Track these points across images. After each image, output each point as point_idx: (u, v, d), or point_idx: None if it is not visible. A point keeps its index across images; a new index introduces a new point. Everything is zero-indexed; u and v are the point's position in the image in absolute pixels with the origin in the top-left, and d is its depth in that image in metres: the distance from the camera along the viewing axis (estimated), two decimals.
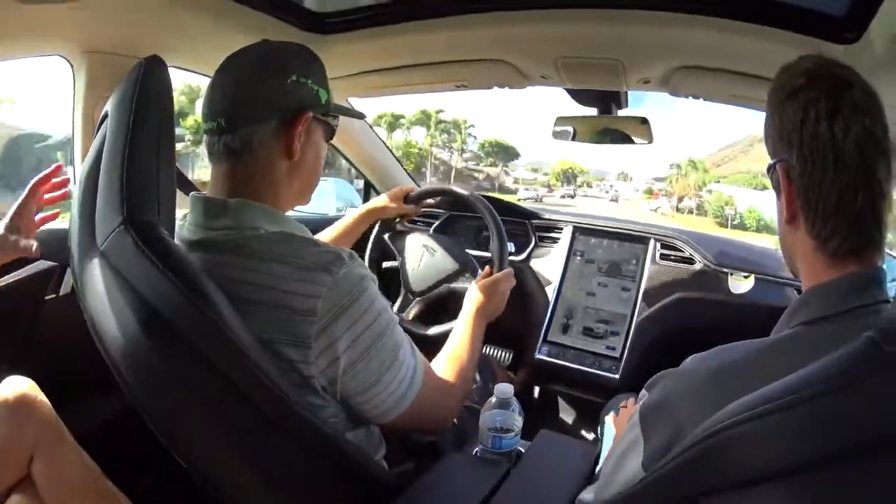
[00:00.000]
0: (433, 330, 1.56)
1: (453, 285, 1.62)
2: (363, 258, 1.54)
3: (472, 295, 1.35)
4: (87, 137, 1.30)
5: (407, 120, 41.67)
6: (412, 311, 1.67)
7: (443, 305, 1.64)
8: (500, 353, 2.12)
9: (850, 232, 0.67)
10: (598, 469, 1.05)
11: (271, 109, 0.93)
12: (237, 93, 0.93)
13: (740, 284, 1.79)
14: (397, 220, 1.80)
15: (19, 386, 1.02)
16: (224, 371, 0.74)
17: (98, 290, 0.80)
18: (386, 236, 1.76)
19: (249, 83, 0.93)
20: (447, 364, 1.12)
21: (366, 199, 2.47)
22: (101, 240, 0.81)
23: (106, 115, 0.92)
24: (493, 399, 1.07)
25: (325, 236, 1.61)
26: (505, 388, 1.07)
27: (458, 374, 1.11)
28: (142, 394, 0.83)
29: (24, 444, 0.98)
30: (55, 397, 1.03)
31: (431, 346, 1.23)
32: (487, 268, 1.47)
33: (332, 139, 1.07)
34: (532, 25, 1.35)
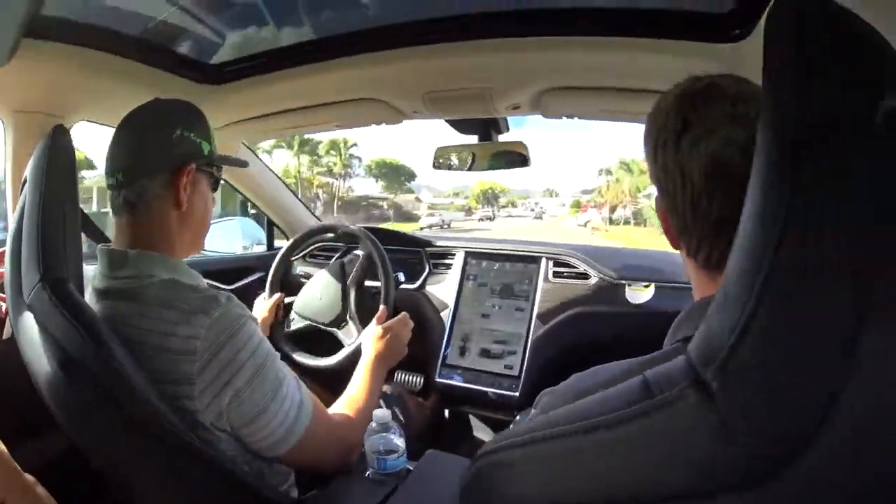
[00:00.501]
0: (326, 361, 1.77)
1: (351, 278, 1.90)
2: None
3: (369, 342, 1.50)
4: (18, 191, 1.40)
5: (269, 144, 35.50)
6: (357, 329, 1.84)
7: (367, 305, 1.84)
8: (412, 377, 2.21)
9: (715, 240, 0.68)
10: None
11: (159, 164, 1.05)
12: (130, 150, 1.06)
13: (639, 294, 1.87)
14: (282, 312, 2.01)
15: None
16: (127, 409, 0.88)
17: (29, 337, 0.97)
18: (284, 329, 1.98)
19: (140, 140, 1.06)
20: (344, 407, 1.24)
21: (269, 235, 2.63)
22: (27, 294, 0.98)
23: (26, 180, 1.11)
24: (373, 424, 1.16)
25: None
26: (382, 414, 1.17)
27: (354, 416, 1.22)
28: (70, 430, 0.99)
29: None
30: (7, 438, 1.09)
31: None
32: (382, 308, 1.62)
33: (217, 189, 1.20)
34: (398, 64, 1.46)
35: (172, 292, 0.98)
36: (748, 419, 0.39)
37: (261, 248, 2.62)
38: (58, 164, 1.06)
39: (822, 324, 0.38)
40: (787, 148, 0.39)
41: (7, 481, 1.00)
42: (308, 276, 2.07)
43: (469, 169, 1.90)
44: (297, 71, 1.55)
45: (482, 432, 2.14)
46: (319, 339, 1.91)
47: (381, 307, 1.66)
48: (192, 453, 0.91)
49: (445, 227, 35.08)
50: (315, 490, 1.14)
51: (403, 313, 1.61)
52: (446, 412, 2.18)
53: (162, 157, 1.06)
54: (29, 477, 1.04)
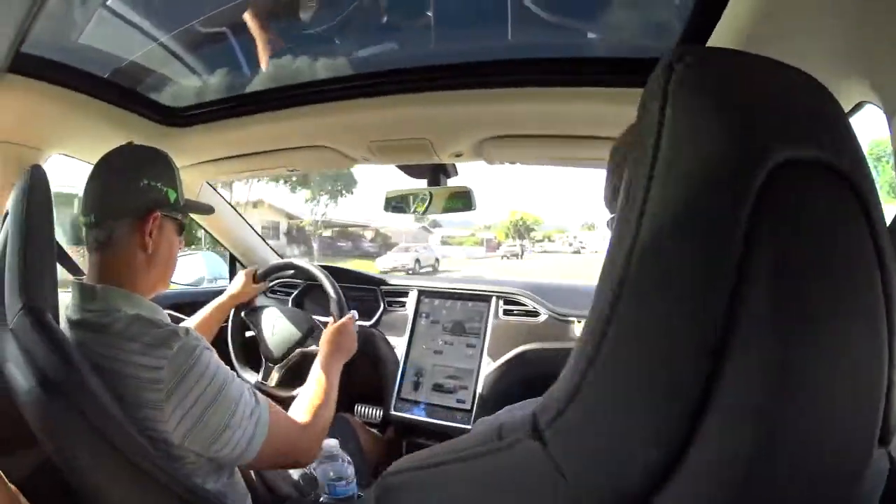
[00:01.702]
0: (280, 392, 1.92)
1: (304, 349, 1.99)
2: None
3: (323, 342, 1.67)
4: None
5: None
6: (274, 379, 2.00)
7: (298, 370, 1.95)
8: (371, 410, 2.40)
9: None
10: None
11: (126, 209, 1.23)
12: (101, 193, 1.24)
13: None
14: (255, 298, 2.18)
15: None
16: (98, 426, 1.03)
17: (11, 359, 1.11)
18: (243, 314, 2.16)
19: (110, 185, 1.24)
20: (301, 405, 1.39)
21: (231, 270, 2.84)
22: (10, 319, 1.13)
23: (7, 213, 1.27)
24: (323, 454, 1.34)
25: (191, 323, 1.92)
26: (330, 444, 1.35)
27: (313, 413, 1.36)
28: (48, 444, 1.13)
29: None
30: None
31: None
32: (332, 318, 1.82)
33: (182, 233, 1.36)
34: (346, 114, 1.65)
35: (136, 326, 1.13)
36: (578, 473, 0.45)
37: (223, 283, 2.82)
38: (36, 202, 1.21)
39: (653, 393, 0.42)
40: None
41: None
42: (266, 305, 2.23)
43: (420, 212, 2.11)
44: (254, 118, 1.75)
45: None
46: (254, 353, 2.10)
47: (331, 318, 1.84)
48: (155, 467, 1.06)
49: (423, 269, 26.26)
50: None
51: (352, 311, 1.82)
52: (404, 444, 2.37)
53: (129, 204, 1.22)
54: (11, 487, 1.16)
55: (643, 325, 0.42)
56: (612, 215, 0.81)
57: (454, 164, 2.06)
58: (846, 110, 0.99)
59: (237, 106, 1.77)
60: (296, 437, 1.30)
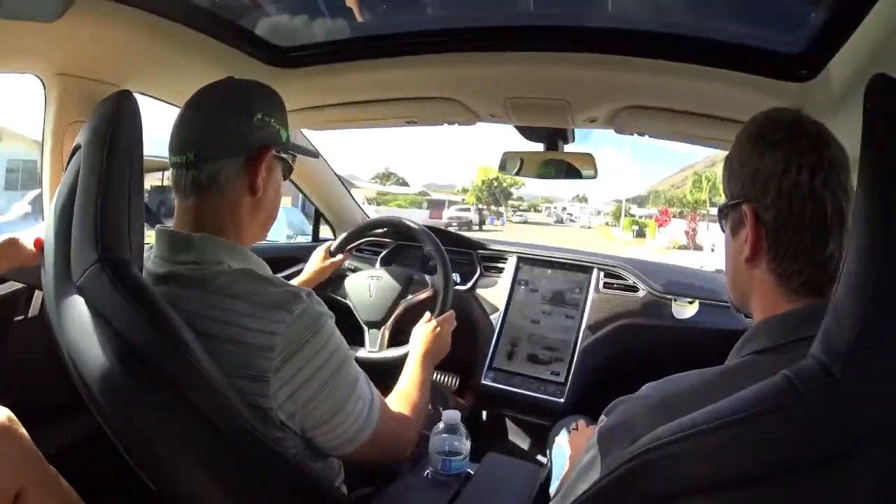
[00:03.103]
0: (392, 352, 1.88)
1: (409, 298, 1.97)
2: None
3: (417, 339, 1.65)
4: (56, 159, 1.47)
5: None
6: (384, 341, 1.99)
7: (404, 325, 1.93)
8: (447, 378, 2.41)
9: (816, 271, 0.82)
10: (552, 489, 1.28)
11: (237, 147, 1.10)
12: (205, 129, 1.09)
13: (684, 310, 2.12)
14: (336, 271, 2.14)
15: None
16: (196, 403, 0.88)
17: (74, 322, 0.95)
18: (329, 292, 2.10)
19: (217, 120, 1.09)
20: (399, 401, 1.32)
21: (315, 226, 2.80)
22: (77, 275, 0.96)
23: (78, 147, 1.09)
24: (441, 425, 1.30)
25: None
26: (452, 415, 1.31)
27: (412, 410, 1.31)
28: (117, 423, 0.97)
29: (6, 480, 1.02)
30: (24, 419, 1.10)
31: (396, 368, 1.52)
32: (428, 314, 1.78)
33: (289, 176, 1.26)
34: (483, 67, 1.62)
35: (247, 284, 1.02)
36: (868, 403, 0.56)
37: (305, 239, 2.77)
38: (123, 134, 1.02)
39: None
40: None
41: (27, 470, 1.04)
42: (352, 269, 2.19)
43: (536, 177, 2.13)
44: (374, 63, 1.67)
45: (515, 435, 2.36)
46: (352, 324, 2.00)
47: (428, 313, 1.78)
48: (264, 451, 0.93)
49: None
50: (368, 488, 1.29)
51: (450, 311, 1.79)
52: (483, 414, 2.40)
53: (240, 141, 1.09)
54: (51, 468, 1.09)
55: None
56: (737, 200, 0.88)
57: (573, 130, 2.07)
58: None
59: (353, 49, 1.69)
60: (398, 434, 1.23)
